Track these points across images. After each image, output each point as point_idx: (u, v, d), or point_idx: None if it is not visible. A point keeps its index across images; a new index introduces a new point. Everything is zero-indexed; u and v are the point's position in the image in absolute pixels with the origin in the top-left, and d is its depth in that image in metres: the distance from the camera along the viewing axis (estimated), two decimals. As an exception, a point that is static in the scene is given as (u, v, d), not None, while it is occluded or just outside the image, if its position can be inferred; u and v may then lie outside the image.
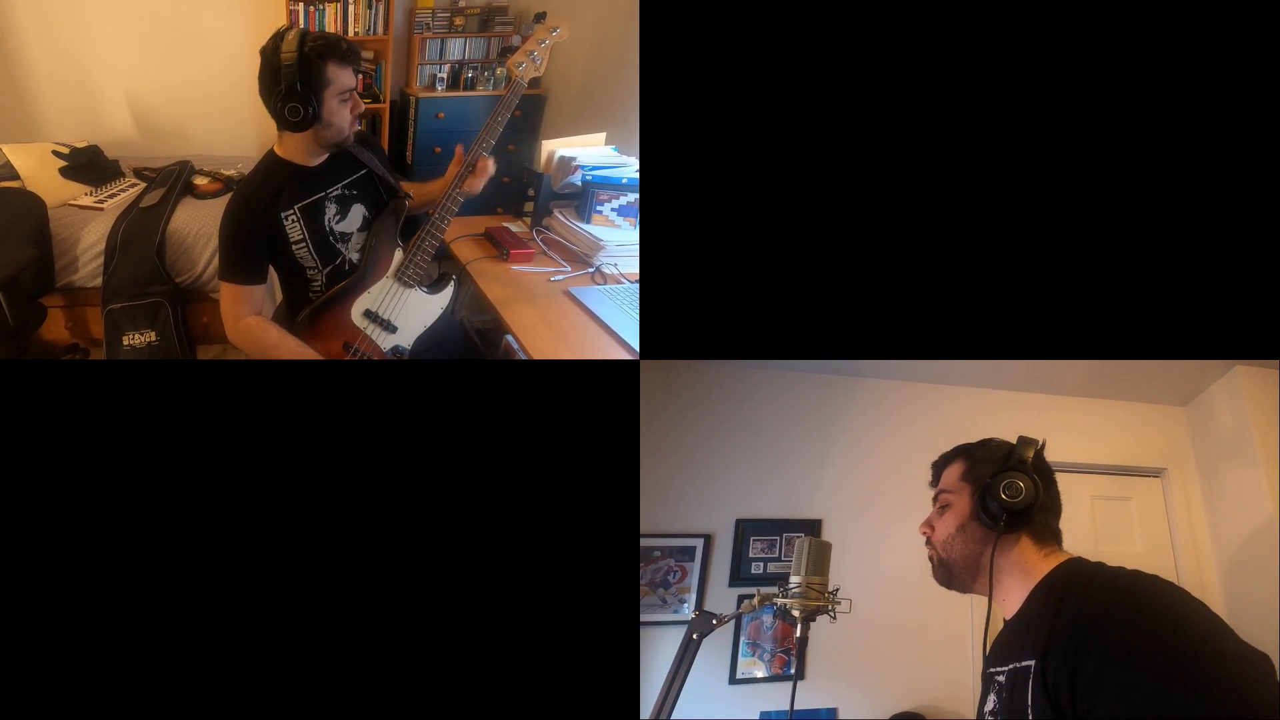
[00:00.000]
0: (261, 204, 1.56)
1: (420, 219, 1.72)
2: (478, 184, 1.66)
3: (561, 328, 1.78)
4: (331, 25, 3.00)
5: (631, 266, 2.13)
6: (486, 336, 2.35)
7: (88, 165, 2.67)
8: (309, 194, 1.58)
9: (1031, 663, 0.76)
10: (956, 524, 0.94)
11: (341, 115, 1.50)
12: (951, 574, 0.95)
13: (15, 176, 2.56)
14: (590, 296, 1.92)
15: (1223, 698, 0.61)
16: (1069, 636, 0.71)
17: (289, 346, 1.54)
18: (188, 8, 2.97)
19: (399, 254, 1.65)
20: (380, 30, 3.08)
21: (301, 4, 2.91)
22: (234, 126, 3.16)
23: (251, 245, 1.56)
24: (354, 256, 1.66)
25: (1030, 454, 0.92)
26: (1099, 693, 0.66)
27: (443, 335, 1.78)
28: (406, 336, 1.67)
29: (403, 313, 1.65)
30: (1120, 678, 0.65)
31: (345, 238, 1.65)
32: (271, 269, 1.66)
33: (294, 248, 1.59)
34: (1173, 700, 0.62)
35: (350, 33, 3.03)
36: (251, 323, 1.55)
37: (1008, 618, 0.91)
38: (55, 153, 2.66)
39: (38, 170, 2.59)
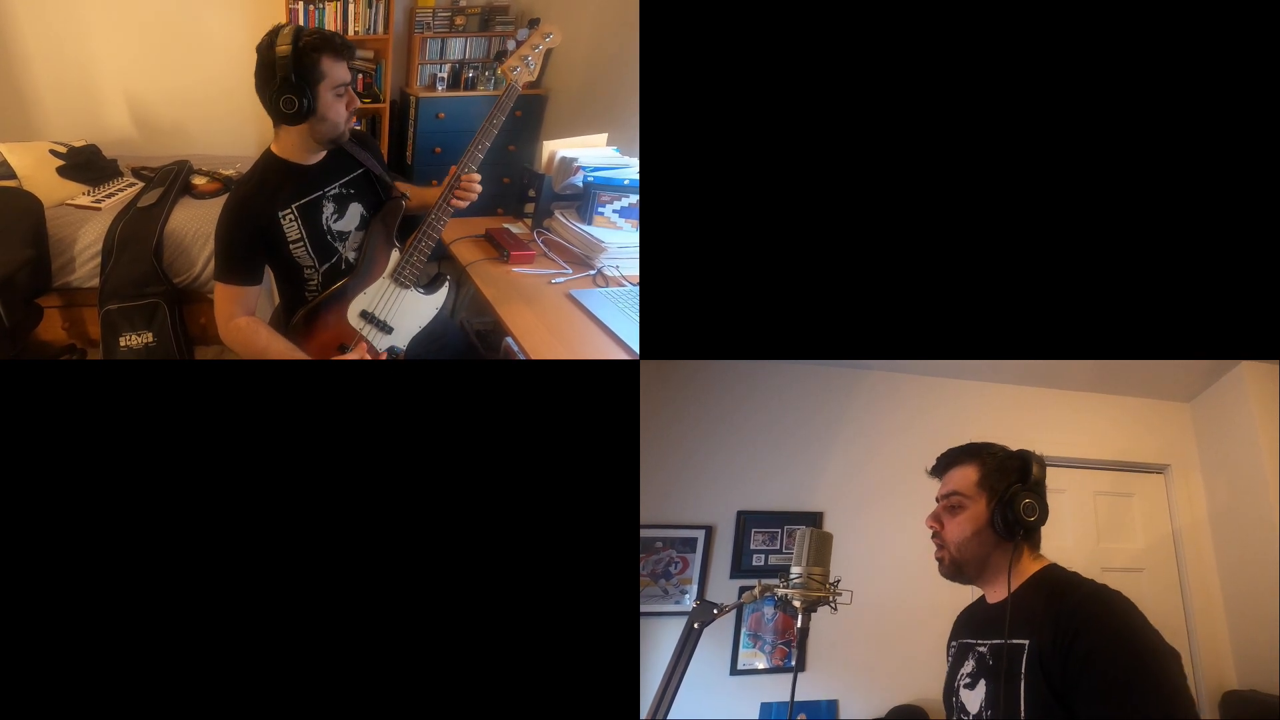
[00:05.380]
0: (259, 203, 1.54)
1: (418, 219, 1.71)
2: (464, 202, 1.65)
3: (562, 330, 1.77)
4: (331, 24, 2.99)
5: (634, 269, 2.12)
6: (487, 338, 2.34)
7: (85, 165, 2.66)
8: (307, 192, 1.57)
9: (1025, 642, 0.95)
10: (973, 529, 1.04)
11: (336, 110, 1.49)
12: (961, 571, 1.07)
13: (12, 176, 2.54)
14: (591, 299, 1.91)
15: (1163, 692, 0.87)
16: (1062, 634, 0.92)
17: (279, 348, 1.53)
18: (187, 7, 2.96)
19: (395, 254, 1.65)
20: (380, 29, 3.07)
21: (301, 3, 2.90)
22: (233, 126, 3.14)
23: (248, 245, 1.56)
24: (351, 255, 1.65)
25: (1041, 474, 1.04)
26: (1084, 679, 0.89)
27: (441, 337, 1.77)
28: (402, 337, 1.66)
29: (398, 313, 1.64)
30: (1097, 671, 0.88)
31: (343, 236, 1.64)
32: (268, 269, 1.65)
33: (291, 247, 1.57)
34: (1132, 691, 0.87)
35: (350, 32, 3.02)
36: (243, 323, 1.55)
37: (991, 601, 1.07)
38: (53, 152, 2.64)
39: (35, 170, 2.57)
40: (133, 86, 3.06)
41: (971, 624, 1.11)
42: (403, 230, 1.70)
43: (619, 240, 2.18)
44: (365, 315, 1.60)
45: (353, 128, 1.72)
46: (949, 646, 1.14)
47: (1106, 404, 2.03)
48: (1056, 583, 1.01)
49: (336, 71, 1.46)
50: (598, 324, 1.80)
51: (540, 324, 1.79)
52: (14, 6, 2.83)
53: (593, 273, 2.09)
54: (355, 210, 1.64)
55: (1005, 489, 1.03)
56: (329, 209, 1.60)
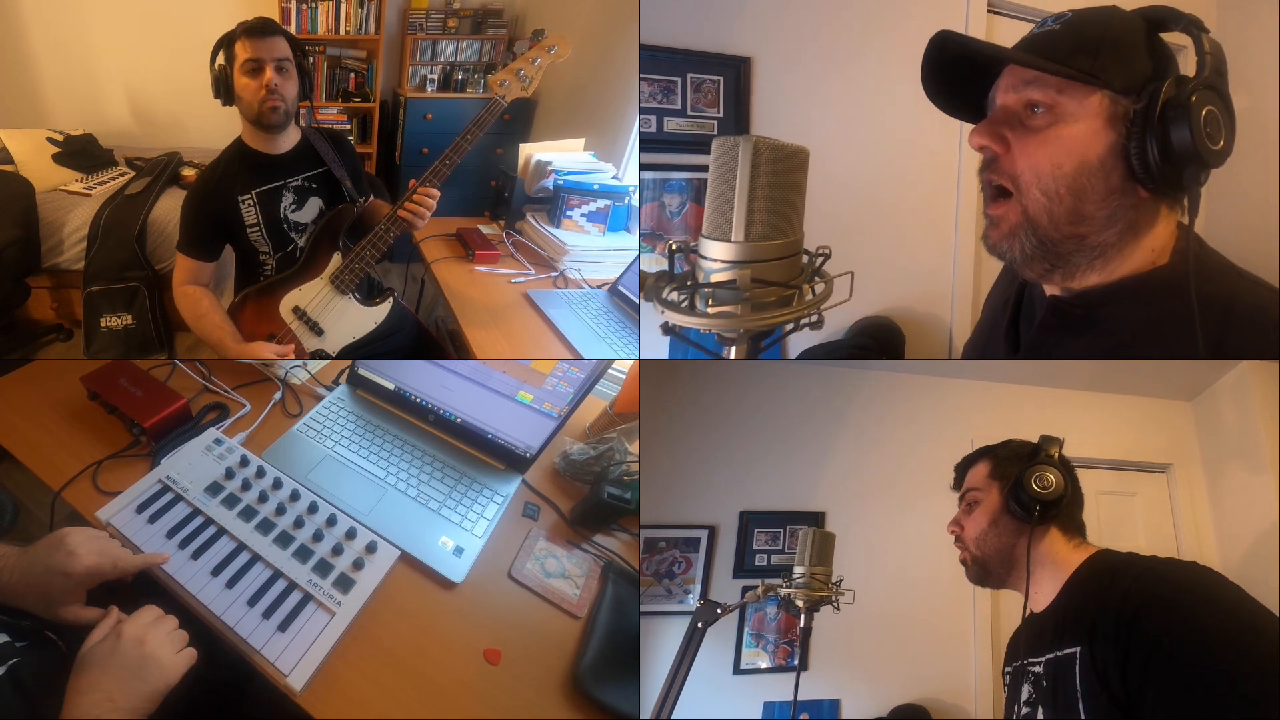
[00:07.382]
0: (221, 188, 1.63)
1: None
2: (418, 219, 1.61)
3: (509, 327, 1.82)
4: (323, 23, 3.05)
5: (596, 273, 2.16)
6: (459, 338, 2.39)
7: (80, 153, 2.74)
8: (267, 181, 1.65)
9: (1076, 649, 0.79)
10: (988, 519, 0.96)
11: (248, 89, 1.56)
12: (987, 570, 0.97)
13: (9, 160, 2.63)
14: (547, 299, 1.96)
15: (1264, 683, 0.64)
16: (1115, 625, 0.74)
17: (215, 319, 1.61)
18: (186, 4, 3.03)
19: (337, 258, 1.66)
20: (372, 29, 3.11)
21: (294, 2, 2.96)
22: (228, 121, 3.19)
23: (206, 226, 1.65)
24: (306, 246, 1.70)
25: (1056, 450, 0.94)
26: (1150, 680, 0.70)
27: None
28: (332, 343, 1.66)
29: (331, 318, 1.65)
30: (1169, 667, 0.69)
31: (300, 228, 1.70)
32: (230, 248, 1.72)
33: (248, 231, 1.65)
34: (1221, 688, 0.65)
35: (341, 31, 3.08)
36: (190, 290, 1.65)
37: (1037, 611, 0.93)
38: (50, 139, 2.72)
39: (31, 155, 2.66)
40: (132, 80, 3.13)
41: (1023, 641, 0.95)
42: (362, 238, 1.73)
43: (583, 243, 2.23)
44: (297, 312, 1.63)
45: (329, 127, 1.79)
46: (1004, 674, 1.00)
47: (1109, 403, 2.04)
48: (1106, 569, 0.85)
49: (248, 49, 1.54)
50: (548, 323, 1.85)
51: (491, 320, 1.84)
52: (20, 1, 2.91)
53: (555, 274, 2.14)
54: (315, 204, 1.71)
55: (1019, 472, 0.93)
56: (288, 199, 1.67)
